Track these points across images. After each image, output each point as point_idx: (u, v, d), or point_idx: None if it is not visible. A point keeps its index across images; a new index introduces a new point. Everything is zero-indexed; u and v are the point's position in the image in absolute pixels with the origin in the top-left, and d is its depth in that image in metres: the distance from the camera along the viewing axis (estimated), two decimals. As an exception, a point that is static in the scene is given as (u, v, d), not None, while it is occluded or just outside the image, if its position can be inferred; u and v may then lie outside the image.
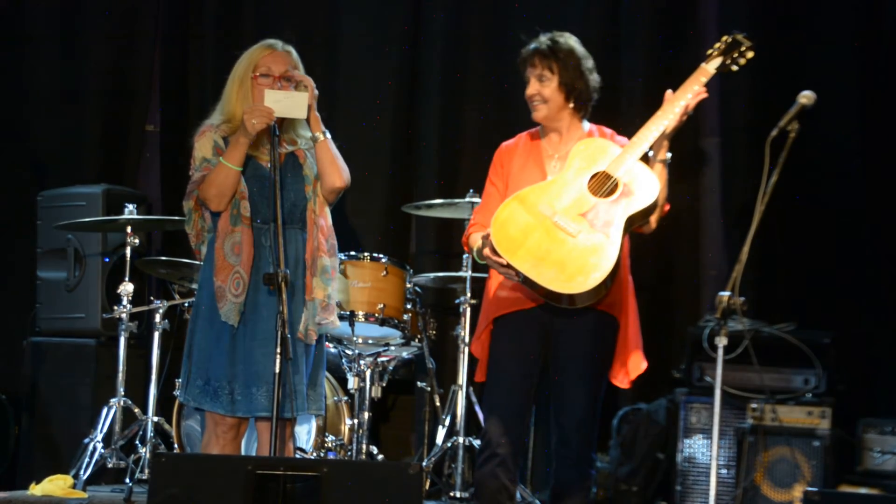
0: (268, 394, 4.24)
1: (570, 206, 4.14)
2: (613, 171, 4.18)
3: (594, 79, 4.37)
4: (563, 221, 4.12)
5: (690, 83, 4.25)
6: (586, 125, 4.41)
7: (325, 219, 4.43)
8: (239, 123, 4.32)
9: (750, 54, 4.28)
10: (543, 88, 4.30)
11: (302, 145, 4.47)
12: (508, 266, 4.09)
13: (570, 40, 4.36)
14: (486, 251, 4.14)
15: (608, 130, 4.41)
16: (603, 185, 4.17)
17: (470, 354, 5.55)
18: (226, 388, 4.30)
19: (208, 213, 4.39)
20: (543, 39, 4.34)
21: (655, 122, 4.21)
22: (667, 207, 4.31)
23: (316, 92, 4.36)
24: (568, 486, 4.31)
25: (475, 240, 4.32)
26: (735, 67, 4.30)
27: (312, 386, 4.41)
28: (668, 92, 4.26)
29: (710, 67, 4.28)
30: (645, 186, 4.18)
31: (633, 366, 4.35)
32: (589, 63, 4.36)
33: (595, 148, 4.26)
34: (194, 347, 4.37)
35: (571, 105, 4.34)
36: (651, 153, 4.24)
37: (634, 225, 4.20)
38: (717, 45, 4.31)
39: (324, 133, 4.40)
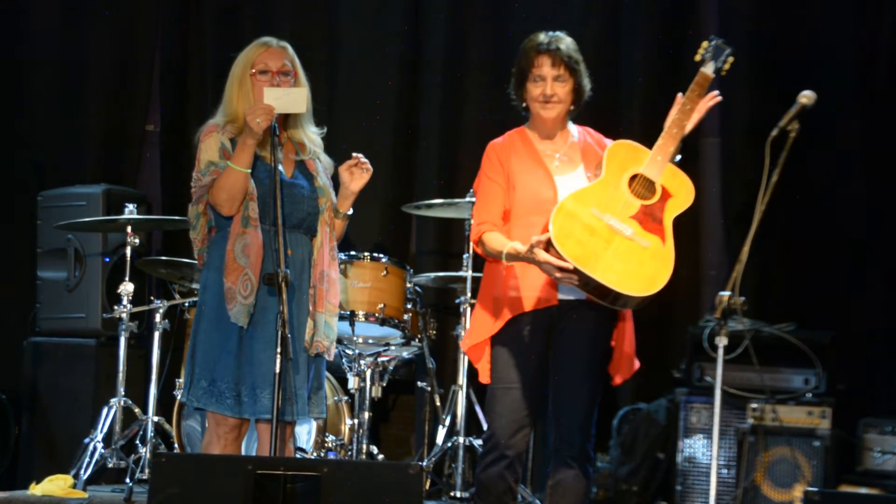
0: (272, 395, 4.24)
1: (620, 210, 4.17)
2: (650, 173, 4.22)
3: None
4: (618, 225, 4.14)
5: (697, 88, 4.30)
6: (572, 126, 4.44)
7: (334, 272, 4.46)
8: (242, 124, 4.31)
9: (731, 59, 4.35)
10: (560, 89, 4.32)
11: (310, 153, 4.47)
12: (573, 270, 4.08)
13: (573, 42, 4.39)
14: (544, 255, 4.08)
15: (593, 132, 4.44)
16: (644, 187, 4.21)
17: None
18: (232, 389, 4.29)
19: (214, 215, 4.38)
20: (552, 39, 4.33)
21: (675, 125, 4.28)
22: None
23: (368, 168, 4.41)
24: (567, 486, 4.30)
25: (500, 242, 4.25)
26: (723, 72, 4.35)
27: (315, 390, 4.41)
28: (679, 95, 4.31)
29: (708, 71, 4.33)
30: (681, 187, 4.25)
31: (626, 365, 4.35)
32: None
33: (627, 151, 4.30)
34: (198, 348, 4.35)
35: (572, 107, 4.37)
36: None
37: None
38: (701, 49, 4.37)
39: (348, 214, 4.48)
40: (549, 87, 4.32)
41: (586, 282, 4.08)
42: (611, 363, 4.35)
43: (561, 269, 4.07)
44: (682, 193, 4.24)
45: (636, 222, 4.16)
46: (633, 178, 4.23)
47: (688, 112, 4.27)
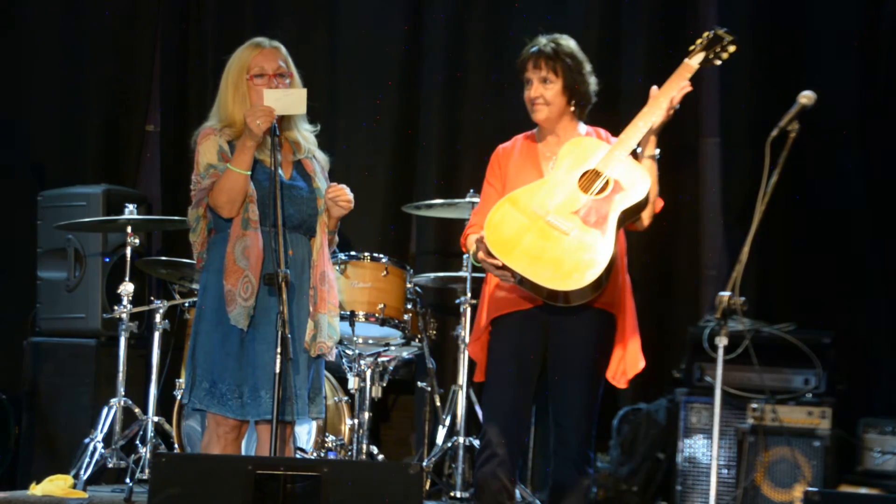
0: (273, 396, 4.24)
1: (562, 204, 4.15)
2: (603, 168, 4.20)
3: (593, 82, 4.39)
4: (556, 220, 4.13)
5: (675, 79, 4.28)
6: (582, 127, 4.42)
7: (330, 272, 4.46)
8: (240, 127, 4.30)
9: (732, 48, 4.31)
10: (546, 91, 4.31)
11: (305, 152, 4.47)
12: (504, 267, 4.10)
13: (571, 43, 4.37)
14: (481, 254, 4.14)
15: (603, 132, 4.43)
16: (593, 182, 4.19)
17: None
18: (235, 391, 4.29)
19: (213, 218, 4.37)
20: (545, 42, 4.34)
21: (642, 118, 4.24)
22: (660, 204, 4.32)
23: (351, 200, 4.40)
24: (567, 486, 4.31)
25: (471, 242, 4.33)
26: (718, 62, 4.33)
27: (314, 391, 4.41)
28: (654, 88, 4.29)
29: (692, 62, 4.31)
30: (636, 182, 4.20)
31: (630, 365, 4.34)
32: (588, 66, 4.38)
33: (584, 147, 4.28)
34: (198, 350, 4.35)
35: (572, 108, 4.35)
36: (639, 149, 4.25)
37: (627, 221, 4.22)
38: (699, 40, 4.34)
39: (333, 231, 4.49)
40: (533, 90, 4.33)
41: (520, 279, 4.09)
42: (612, 364, 4.35)
43: (497, 267, 4.09)
44: (633, 188, 4.19)
45: (578, 217, 4.14)
46: (586, 172, 4.21)
47: (659, 105, 4.23)
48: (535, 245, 4.10)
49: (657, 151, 4.29)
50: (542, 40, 4.36)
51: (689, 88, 4.28)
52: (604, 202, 4.16)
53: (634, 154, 4.25)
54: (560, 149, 4.35)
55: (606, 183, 4.18)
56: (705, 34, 4.34)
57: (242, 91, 4.38)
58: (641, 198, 4.19)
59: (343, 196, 4.37)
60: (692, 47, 4.34)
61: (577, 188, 4.18)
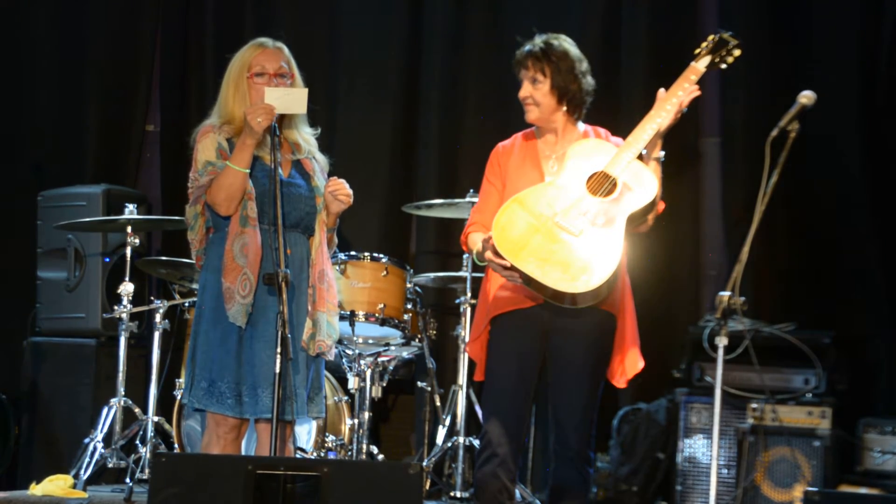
0: (273, 395, 4.23)
1: (571, 206, 4.15)
2: (611, 170, 4.19)
3: (588, 82, 4.36)
4: (565, 221, 4.12)
5: (682, 81, 4.27)
6: (581, 126, 4.42)
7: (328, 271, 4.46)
8: (240, 125, 4.30)
9: (737, 52, 4.31)
10: (535, 91, 4.31)
11: (305, 152, 4.47)
12: (512, 268, 4.09)
13: (565, 43, 4.36)
14: (488, 254, 4.14)
15: (603, 131, 4.42)
16: (602, 184, 4.19)
17: (470, 354, 5.56)
18: (233, 389, 4.29)
19: (211, 216, 4.38)
20: (537, 42, 4.34)
21: (650, 120, 4.23)
22: (661, 206, 4.32)
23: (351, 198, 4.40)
24: (567, 486, 4.31)
25: (475, 241, 4.32)
26: (724, 65, 4.33)
27: (314, 390, 4.41)
28: (661, 91, 4.28)
29: (700, 65, 4.30)
30: (644, 184, 4.20)
31: (630, 365, 4.34)
32: (583, 66, 4.35)
33: (591, 148, 4.28)
34: (198, 349, 4.35)
35: (564, 108, 4.34)
36: (644, 152, 4.25)
37: (635, 223, 4.21)
38: (705, 43, 4.34)
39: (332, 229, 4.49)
40: (523, 90, 4.34)
41: (528, 280, 4.09)
42: (612, 364, 4.35)
43: (505, 267, 4.09)
44: (641, 190, 4.19)
45: (587, 219, 4.14)
46: (594, 174, 4.21)
47: (665, 108, 4.23)
48: (543, 246, 4.10)
49: (662, 154, 4.30)
50: (536, 40, 4.35)
51: (697, 93, 4.28)
52: (612, 204, 4.16)
53: (640, 156, 4.24)
54: (559, 147, 4.35)
55: (614, 185, 4.18)
56: (710, 37, 4.34)
57: (243, 89, 4.38)
58: (649, 200, 4.19)
59: (342, 190, 4.38)
60: (698, 50, 4.33)
61: (585, 190, 4.18)
